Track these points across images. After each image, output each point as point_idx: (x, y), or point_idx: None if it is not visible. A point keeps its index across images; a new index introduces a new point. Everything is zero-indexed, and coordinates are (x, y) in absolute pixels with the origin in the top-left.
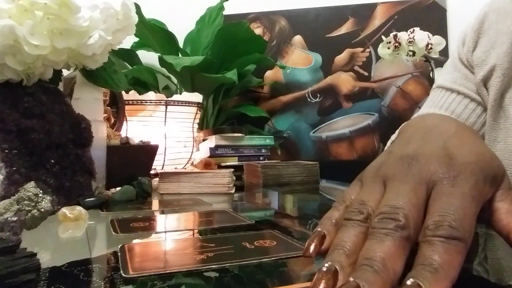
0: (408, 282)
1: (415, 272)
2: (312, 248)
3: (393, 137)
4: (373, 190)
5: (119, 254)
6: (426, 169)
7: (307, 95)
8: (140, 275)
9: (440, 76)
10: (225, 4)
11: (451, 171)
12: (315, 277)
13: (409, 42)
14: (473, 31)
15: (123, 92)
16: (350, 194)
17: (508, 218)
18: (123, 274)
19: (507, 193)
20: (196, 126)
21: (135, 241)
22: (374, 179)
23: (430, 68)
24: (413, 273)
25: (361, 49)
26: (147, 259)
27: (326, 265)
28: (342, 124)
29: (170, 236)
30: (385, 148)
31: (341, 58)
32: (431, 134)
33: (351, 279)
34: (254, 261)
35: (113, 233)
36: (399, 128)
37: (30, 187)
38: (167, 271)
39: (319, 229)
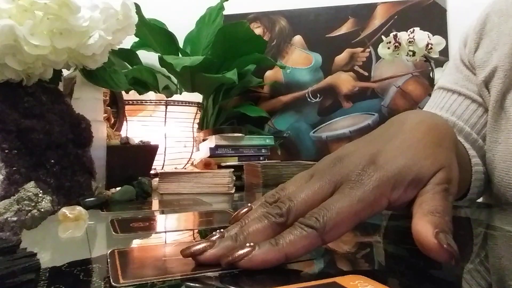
0: (247, 245)
1: (261, 242)
2: (235, 216)
3: None
4: (298, 182)
5: (108, 260)
6: (342, 171)
7: (307, 95)
8: (131, 283)
9: (442, 77)
10: (225, 4)
11: (359, 175)
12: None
13: (409, 42)
14: (475, 32)
15: (123, 92)
16: (291, 180)
17: (415, 208)
18: (113, 283)
19: (431, 187)
20: (196, 126)
21: (127, 245)
22: (309, 171)
23: (430, 68)
24: (259, 243)
25: (361, 49)
26: (139, 266)
27: (218, 232)
28: (342, 124)
29: (167, 239)
30: None
31: (341, 58)
32: (384, 134)
33: (213, 239)
34: None
35: (113, 233)
36: None
37: (30, 187)
38: (160, 279)
39: (249, 204)
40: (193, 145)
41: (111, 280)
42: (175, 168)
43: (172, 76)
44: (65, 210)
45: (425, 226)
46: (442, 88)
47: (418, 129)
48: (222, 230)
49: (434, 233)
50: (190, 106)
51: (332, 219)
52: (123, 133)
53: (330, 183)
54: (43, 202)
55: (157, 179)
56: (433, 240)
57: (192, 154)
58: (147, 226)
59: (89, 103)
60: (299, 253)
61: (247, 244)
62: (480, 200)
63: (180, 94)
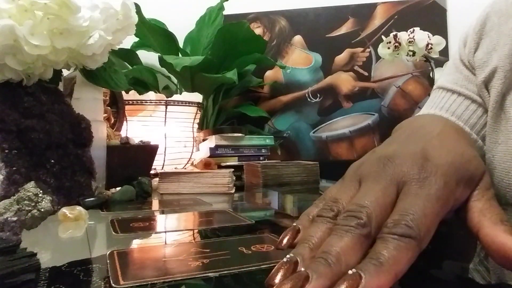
0: (350, 272)
1: (361, 264)
2: (285, 241)
3: None
4: (347, 189)
5: (108, 261)
6: (399, 170)
7: (307, 95)
8: (132, 284)
9: (441, 77)
10: (225, 4)
11: (422, 173)
12: (276, 266)
13: (409, 42)
14: (475, 32)
15: (123, 92)
16: (330, 192)
17: (479, 216)
18: (113, 285)
19: (483, 193)
20: (196, 126)
21: (127, 245)
22: (351, 178)
23: (430, 68)
24: (358, 265)
25: (361, 49)
26: (139, 267)
27: (288, 256)
28: (342, 124)
29: (167, 239)
30: None
31: (341, 58)
32: (415, 135)
33: (303, 269)
34: (251, 268)
35: (113, 233)
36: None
37: (30, 187)
38: (160, 280)
39: (295, 224)
40: (193, 145)
41: (111, 282)
42: (175, 168)
43: (172, 76)
44: (65, 210)
45: (508, 239)
46: (441, 88)
47: (447, 133)
48: (289, 256)
49: None
50: (190, 106)
51: (423, 223)
52: (123, 133)
53: (391, 184)
54: (43, 202)
55: (157, 179)
56: None
57: (192, 154)
58: (147, 226)
59: (89, 103)
60: (405, 270)
61: (350, 272)
62: None
63: (180, 94)
